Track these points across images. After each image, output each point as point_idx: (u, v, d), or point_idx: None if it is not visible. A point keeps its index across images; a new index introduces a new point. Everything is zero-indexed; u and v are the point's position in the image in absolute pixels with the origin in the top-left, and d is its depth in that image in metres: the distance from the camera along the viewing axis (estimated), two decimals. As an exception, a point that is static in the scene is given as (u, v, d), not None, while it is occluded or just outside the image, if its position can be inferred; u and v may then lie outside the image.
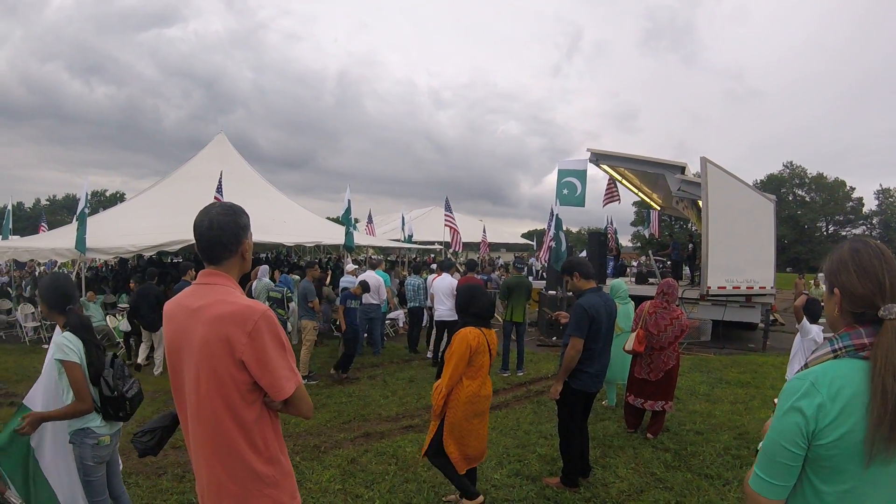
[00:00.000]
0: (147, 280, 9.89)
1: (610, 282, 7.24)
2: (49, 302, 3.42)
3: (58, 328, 3.47)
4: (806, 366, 1.71)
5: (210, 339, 2.00)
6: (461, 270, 12.71)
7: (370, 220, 22.32)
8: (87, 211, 11.80)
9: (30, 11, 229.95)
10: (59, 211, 72.34)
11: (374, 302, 10.50)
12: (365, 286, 9.92)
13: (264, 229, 13.05)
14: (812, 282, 21.51)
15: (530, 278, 13.30)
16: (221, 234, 2.12)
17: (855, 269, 1.61)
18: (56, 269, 18.29)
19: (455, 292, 9.70)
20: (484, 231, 23.24)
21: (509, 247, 42.36)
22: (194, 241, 2.17)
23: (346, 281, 10.82)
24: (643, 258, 24.53)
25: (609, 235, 19.28)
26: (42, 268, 21.57)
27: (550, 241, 13.15)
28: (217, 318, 2.00)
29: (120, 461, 3.87)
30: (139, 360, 9.71)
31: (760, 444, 1.75)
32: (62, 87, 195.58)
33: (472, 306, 4.33)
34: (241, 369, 2.00)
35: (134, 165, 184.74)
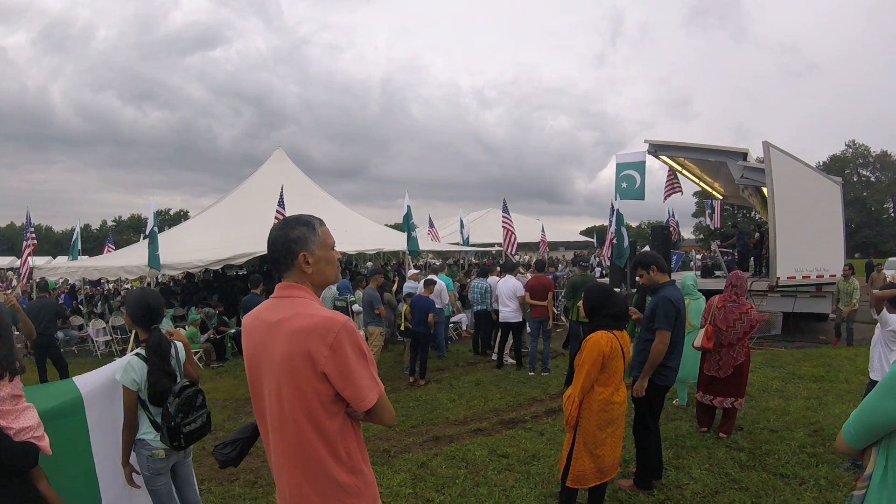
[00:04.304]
0: (251, 288, 9.87)
1: (681, 276, 7.17)
2: (134, 317, 3.50)
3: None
4: None
5: (291, 353, 1.99)
6: (521, 272, 12.66)
7: (431, 225, 22.24)
8: (156, 229, 12.08)
9: (77, 45, 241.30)
10: (126, 231, 75.20)
11: (438, 306, 10.56)
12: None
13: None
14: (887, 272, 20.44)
15: (597, 274, 13.08)
16: (273, 249, 2.14)
17: None
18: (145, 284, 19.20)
19: (517, 293, 9.83)
20: (542, 230, 23.09)
21: (569, 245, 42.04)
22: (264, 254, 2.19)
23: (410, 286, 10.94)
24: (711, 248, 23.83)
25: (672, 228, 18.83)
26: (111, 285, 22.56)
27: (613, 237, 12.89)
28: (297, 331, 2.00)
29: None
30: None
31: None
32: (116, 114, 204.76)
33: (606, 307, 4.08)
34: (323, 382, 1.99)
35: (193, 184, 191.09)
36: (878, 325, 5.63)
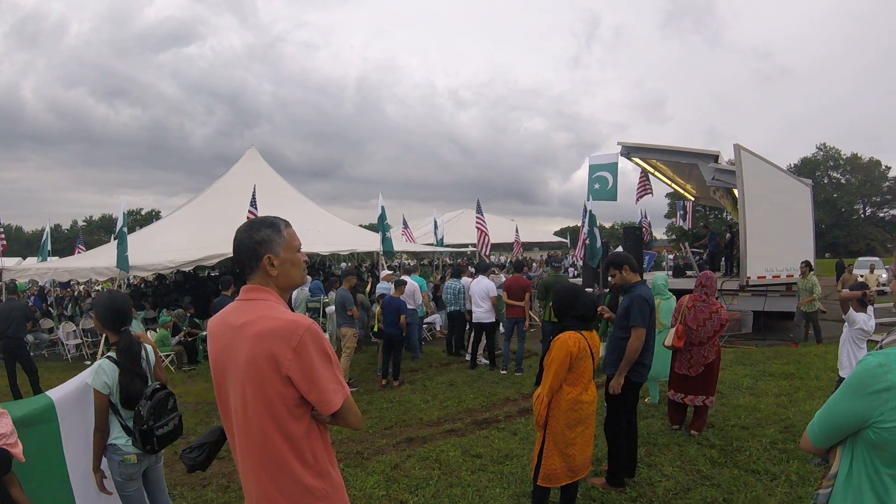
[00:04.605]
0: (221, 290, 9.76)
1: (653, 276, 7.25)
2: (103, 320, 3.46)
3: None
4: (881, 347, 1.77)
5: (255, 357, 1.96)
6: (495, 272, 12.66)
7: (405, 226, 22.13)
8: (125, 230, 11.86)
9: (50, 40, 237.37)
10: (97, 231, 73.71)
11: (411, 306, 10.53)
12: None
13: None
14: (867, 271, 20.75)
15: (570, 274, 13.13)
16: (238, 251, 2.13)
17: None
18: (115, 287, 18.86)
19: (488, 294, 9.84)
20: (517, 231, 23.18)
21: (542, 245, 42.19)
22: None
23: (383, 287, 10.89)
24: (681, 249, 24.16)
25: (644, 229, 19.03)
26: (81, 287, 22.19)
27: (585, 238, 12.99)
28: (261, 334, 1.97)
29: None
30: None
31: None
32: (88, 111, 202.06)
33: (574, 308, 4.06)
34: (287, 385, 1.97)
35: (165, 183, 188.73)
36: (846, 324, 5.78)
